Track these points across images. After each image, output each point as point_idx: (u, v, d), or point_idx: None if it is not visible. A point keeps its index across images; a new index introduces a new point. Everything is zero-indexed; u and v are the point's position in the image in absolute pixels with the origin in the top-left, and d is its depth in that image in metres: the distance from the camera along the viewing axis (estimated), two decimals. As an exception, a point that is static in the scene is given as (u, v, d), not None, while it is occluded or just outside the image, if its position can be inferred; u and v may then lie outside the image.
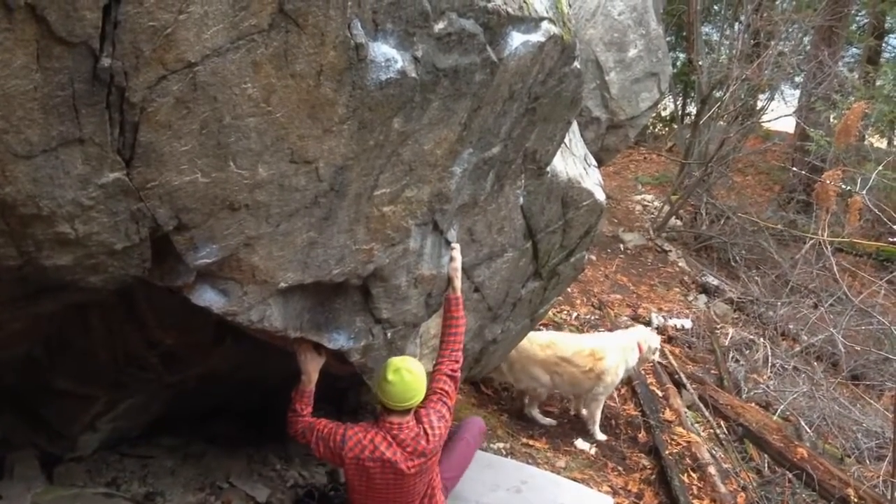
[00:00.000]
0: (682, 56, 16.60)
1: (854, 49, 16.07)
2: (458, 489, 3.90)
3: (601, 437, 5.66)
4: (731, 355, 8.14)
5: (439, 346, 3.38)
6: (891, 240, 10.43)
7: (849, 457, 6.35)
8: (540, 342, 5.60)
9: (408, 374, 3.09)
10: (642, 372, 6.79)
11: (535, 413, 5.76)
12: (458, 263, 3.29)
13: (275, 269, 2.50)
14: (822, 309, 8.65)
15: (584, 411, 5.75)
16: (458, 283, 3.31)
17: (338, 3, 2.07)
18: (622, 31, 7.11)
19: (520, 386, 5.68)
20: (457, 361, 3.34)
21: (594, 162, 4.68)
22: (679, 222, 12.39)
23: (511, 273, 3.93)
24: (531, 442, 5.45)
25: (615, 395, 6.43)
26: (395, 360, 3.14)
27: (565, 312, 8.12)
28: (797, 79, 13.23)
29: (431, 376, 3.32)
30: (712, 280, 10.39)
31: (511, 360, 5.50)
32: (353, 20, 2.14)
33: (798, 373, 7.73)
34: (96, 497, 3.45)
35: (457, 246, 3.30)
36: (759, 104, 12.56)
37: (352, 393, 4.75)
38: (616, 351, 5.63)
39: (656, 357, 6.13)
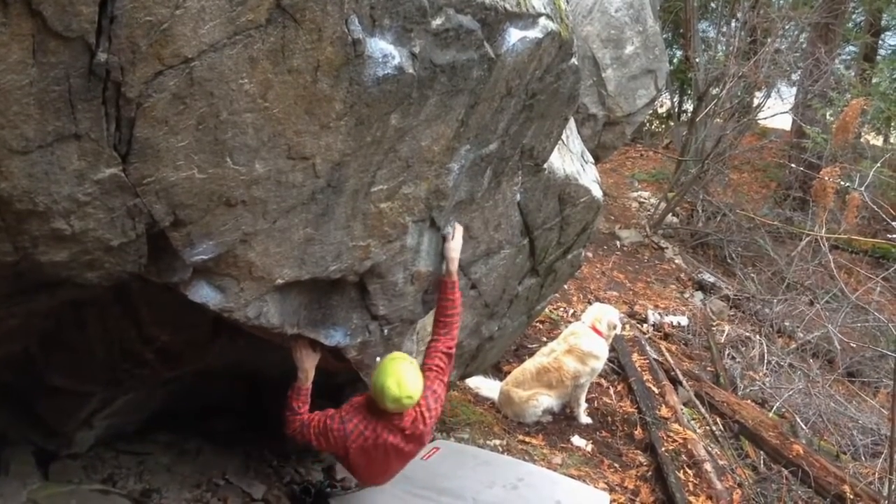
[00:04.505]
0: (678, 53, 16.60)
1: (850, 46, 16.06)
2: (455, 486, 3.89)
3: (586, 419, 5.86)
4: (727, 352, 8.15)
5: (434, 325, 3.31)
6: (888, 237, 10.45)
7: (844, 454, 6.36)
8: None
9: (408, 400, 3.03)
10: (638, 369, 6.80)
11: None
12: (455, 244, 3.21)
13: (271, 265, 2.49)
14: (818, 306, 8.66)
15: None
16: (453, 266, 3.23)
17: (335, -2, 2.06)
18: (619, 28, 7.10)
19: (529, 419, 5.77)
20: (453, 340, 3.31)
21: (591, 159, 4.67)
22: (675, 219, 12.41)
23: (508, 270, 3.92)
24: (528, 439, 5.46)
25: (612, 391, 6.45)
26: (393, 386, 2.99)
27: (562, 309, 8.13)
28: (794, 76, 13.24)
29: (426, 352, 3.30)
30: (708, 277, 10.41)
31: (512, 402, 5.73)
32: (350, 16, 2.13)
33: (794, 370, 7.76)
34: (92, 494, 3.44)
35: (459, 227, 3.22)
36: (756, 101, 12.58)
37: (348, 389, 4.75)
38: (570, 361, 5.70)
39: (618, 330, 6.17)
